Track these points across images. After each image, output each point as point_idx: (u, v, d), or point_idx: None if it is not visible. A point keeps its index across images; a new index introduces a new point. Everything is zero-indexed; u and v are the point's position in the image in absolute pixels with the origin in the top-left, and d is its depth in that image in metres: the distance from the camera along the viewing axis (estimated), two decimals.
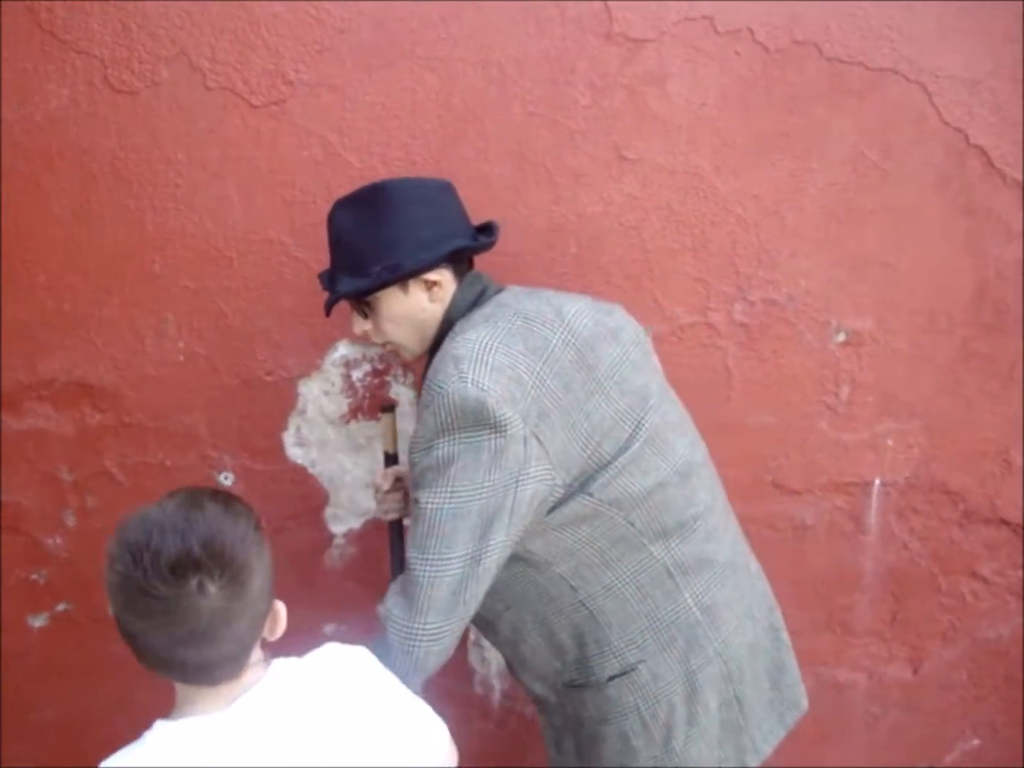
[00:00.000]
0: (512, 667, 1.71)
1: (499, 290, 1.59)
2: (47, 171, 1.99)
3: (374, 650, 1.33)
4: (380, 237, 1.51)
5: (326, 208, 1.62)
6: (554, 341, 1.45)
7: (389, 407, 1.87)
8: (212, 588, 1.04)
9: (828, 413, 2.17)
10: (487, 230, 1.65)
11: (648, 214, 2.04)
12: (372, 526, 2.18)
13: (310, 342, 2.06)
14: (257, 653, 1.17)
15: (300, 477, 2.15)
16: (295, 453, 2.14)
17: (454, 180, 1.98)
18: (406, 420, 2.03)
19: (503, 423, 1.35)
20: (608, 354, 1.50)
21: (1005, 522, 2.26)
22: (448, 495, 1.36)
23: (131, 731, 1.12)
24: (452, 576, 1.37)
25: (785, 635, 1.72)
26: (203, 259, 2.02)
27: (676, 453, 1.54)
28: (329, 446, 2.13)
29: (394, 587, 1.43)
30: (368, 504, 2.16)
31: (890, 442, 2.21)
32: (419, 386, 1.76)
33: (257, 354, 2.07)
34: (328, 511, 2.18)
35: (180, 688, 1.14)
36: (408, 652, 1.38)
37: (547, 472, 1.40)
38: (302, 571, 2.18)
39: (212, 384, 2.09)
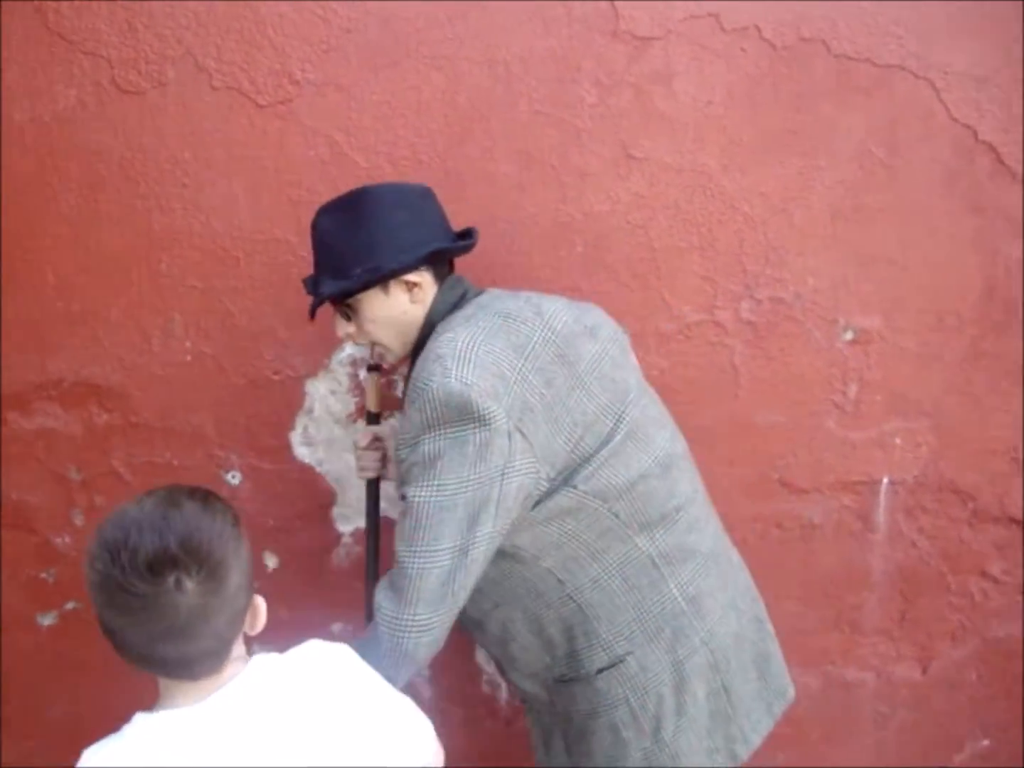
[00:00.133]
0: (502, 666, 1.72)
1: (479, 292, 1.62)
2: (54, 171, 1.99)
3: (364, 642, 1.36)
4: (361, 240, 1.55)
5: None
6: (534, 339, 1.49)
7: (375, 366, 1.86)
8: (190, 585, 1.06)
9: (836, 411, 2.16)
10: (466, 235, 1.69)
11: (655, 212, 2.04)
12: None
13: (317, 341, 2.06)
14: (239, 648, 1.18)
15: (307, 476, 2.15)
16: (302, 452, 2.14)
17: (460, 179, 2.00)
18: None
19: (487, 417, 1.38)
20: (587, 351, 1.54)
21: (1014, 521, 2.25)
22: (435, 489, 1.39)
23: None
24: (441, 568, 1.39)
25: (769, 625, 1.75)
26: (210, 259, 2.03)
27: (657, 446, 1.57)
28: (336, 445, 2.13)
29: (384, 581, 1.45)
30: None
31: (898, 441, 2.20)
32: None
33: (264, 353, 2.07)
34: (335, 510, 2.18)
35: (162, 682, 1.15)
36: (398, 643, 1.39)
37: (532, 465, 1.42)
38: (309, 570, 2.19)
39: (219, 384, 2.09)
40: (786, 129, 2.01)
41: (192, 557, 1.06)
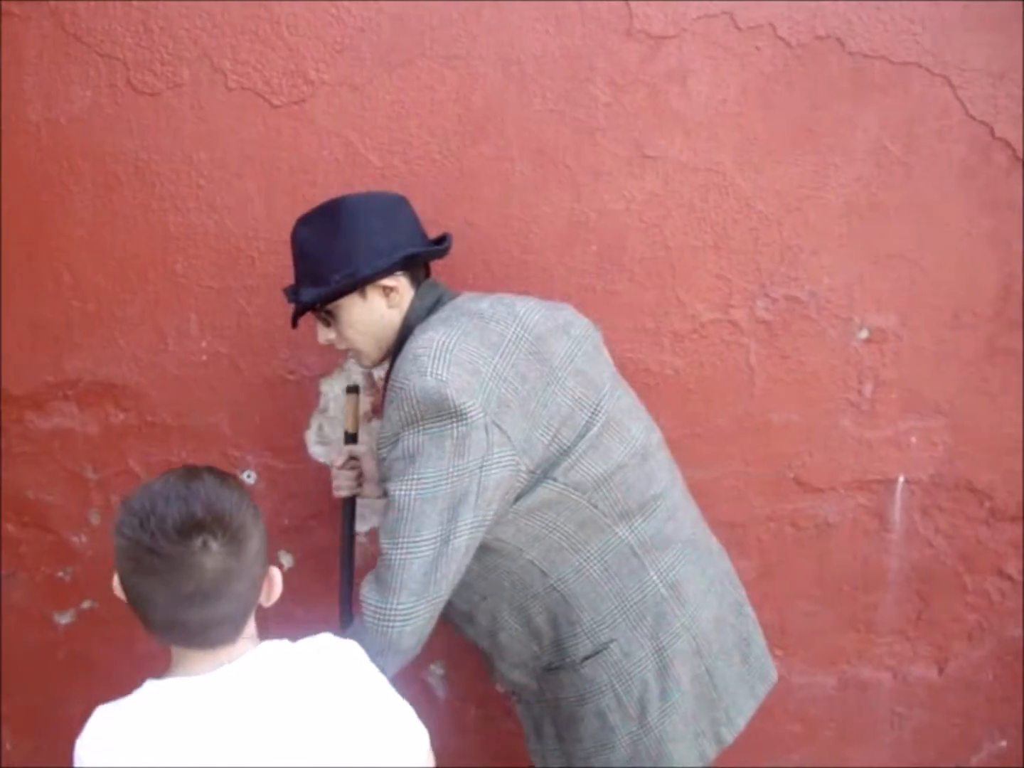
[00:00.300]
0: (491, 661, 1.75)
1: (454, 296, 1.67)
2: (71, 172, 2.00)
3: (352, 633, 1.38)
4: (338, 248, 1.60)
5: None
6: (508, 336, 1.53)
7: (353, 388, 1.92)
8: (215, 546, 1.12)
9: (851, 410, 2.16)
10: (441, 241, 1.74)
11: (670, 211, 2.03)
12: None
13: None
14: (252, 626, 1.23)
15: (322, 475, 2.15)
16: (317, 451, 2.15)
17: (474, 178, 2.00)
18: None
19: (463, 411, 1.42)
20: (560, 347, 1.58)
21: None
22: (415, 482, 1.43)
23: None
24: (423, 558, 1.43)
25: (749, 609, 1.78)
26: (225, 259, 2.04)
27: (633, 436, 1.61)
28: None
29: (369, 576, 1.49)
30: None
31: (914, 439, 2.19)
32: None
33: (279, 353, 2.08)
34: None
35: (176, 651, 1.20)
36: (383, 632, 1.43)
37: (511, 458, 1.46)
38: (324, 569, 2.19)
39: (234, 383, 2.10)
40: (801, 127, 2.00)
41: (217, 522, 1.12)
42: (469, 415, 1.42)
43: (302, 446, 2.15)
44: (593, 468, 1.54)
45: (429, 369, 1.43)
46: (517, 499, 1.51)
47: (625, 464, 1.58)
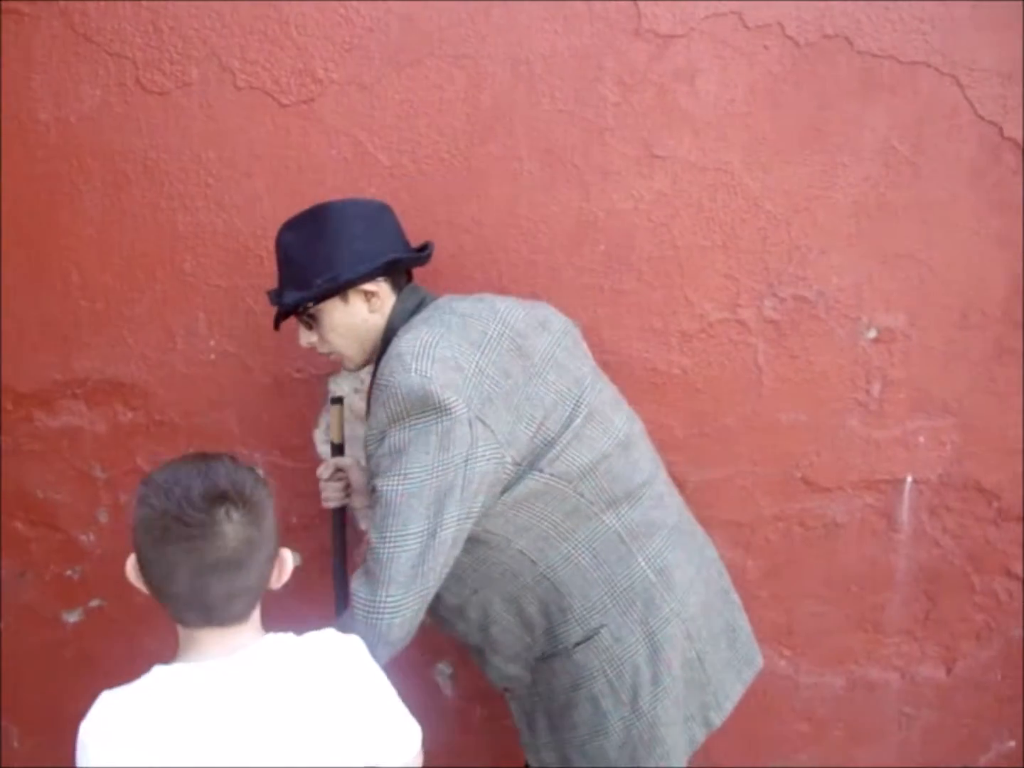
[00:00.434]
0: (483, 655, 1.76)
1: (435, 298, 1.69)
2: (80, 171, 2.01)
3: (341, 625, 1.40)
4: (321, 252, 1.63)
5: None
6: (490, 333, 1.56)
7: (337, 399, 1.93)
8: (236, 516, 1.17)
9: (860, 410, 2.15)
10: (423, 249, 1.76)
11: (678, 211, 2.03)
12: None
13: None
14: (257, 617, 1.26)
15: None
16: (325, 451, 2.15)
17: (483, 177, 2.00)
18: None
19: (447, 406, 1.45)
20: (541, 342, 1.62)
21: None
22: (402, 477, 1.46)
23: None
24: (410, 551, 1.45)
25: (735, 596, 1.82)
26: (234, 257, 2.04)
27: (616, 427, 1.64)
28: (359, 444, 2.13)
29: (358, 571, 1.52)
30: None
31: (922, 439, 2.18)
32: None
33: (287, 352, 2.08)
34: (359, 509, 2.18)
35: (184, 634, 1.23)
36: (372, 625, 1.45)
37: (496, 451, 1.49)
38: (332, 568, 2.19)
39: (243, 382, 2.11)
40: (810, 127, 2.00)
41: (238, 493, 1.18)
42: (453, 410, 1.45)
43: (310, 445, 2.15)
44: (578, 458, 1.57)
45: (413, 366, 1.46)
46: (505, 491, 1.54)
47: (609, 454, 1.61)
